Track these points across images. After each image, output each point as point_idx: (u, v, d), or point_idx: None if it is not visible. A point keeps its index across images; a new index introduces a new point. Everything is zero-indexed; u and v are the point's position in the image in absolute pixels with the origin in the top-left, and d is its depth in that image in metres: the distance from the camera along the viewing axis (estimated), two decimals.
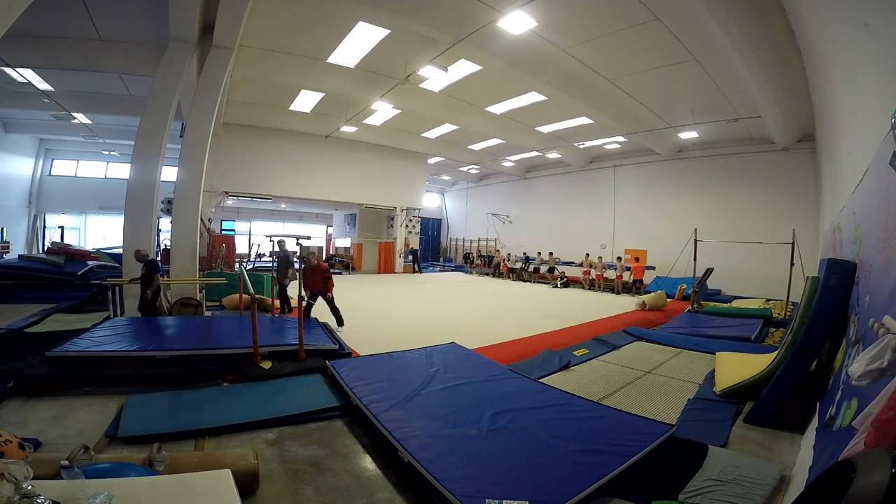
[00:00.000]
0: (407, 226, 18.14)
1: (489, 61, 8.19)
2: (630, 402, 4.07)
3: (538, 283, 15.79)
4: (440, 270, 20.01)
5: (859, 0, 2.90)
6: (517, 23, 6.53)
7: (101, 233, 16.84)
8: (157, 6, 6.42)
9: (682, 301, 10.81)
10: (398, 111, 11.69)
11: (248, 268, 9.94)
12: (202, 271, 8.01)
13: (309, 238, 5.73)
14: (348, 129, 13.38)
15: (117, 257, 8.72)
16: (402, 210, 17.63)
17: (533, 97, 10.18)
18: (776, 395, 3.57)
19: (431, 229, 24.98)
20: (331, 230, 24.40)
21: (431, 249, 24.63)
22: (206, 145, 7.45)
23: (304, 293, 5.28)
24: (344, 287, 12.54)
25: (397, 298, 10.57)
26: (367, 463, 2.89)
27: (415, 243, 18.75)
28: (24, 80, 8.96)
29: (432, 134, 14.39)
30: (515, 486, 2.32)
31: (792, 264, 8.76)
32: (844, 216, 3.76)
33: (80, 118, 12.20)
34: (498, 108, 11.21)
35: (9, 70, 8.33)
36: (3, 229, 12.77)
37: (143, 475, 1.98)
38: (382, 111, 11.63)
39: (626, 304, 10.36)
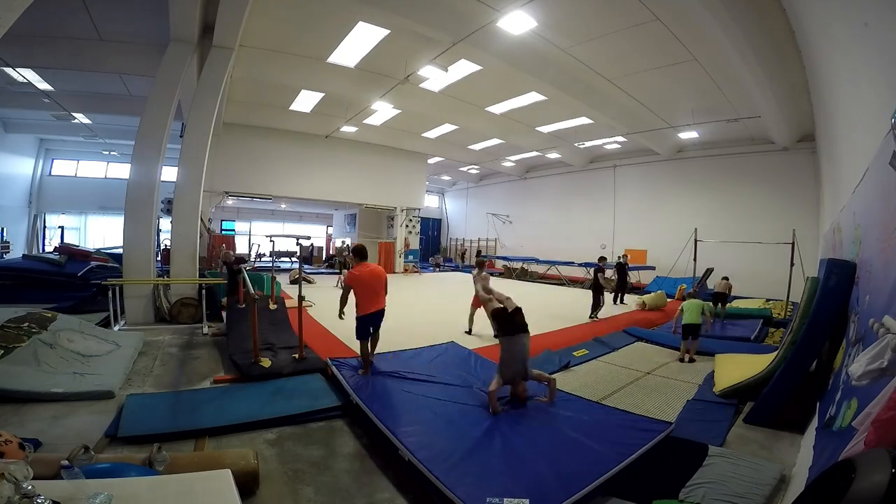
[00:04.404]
0: (407, 226, 18.13)
1: (489, 61, 8.18)
2: (630, 402, 4.07)
3: (537, 282, 15.79)
4: (440, 270, 20.00)
5: (859, 0, 2.90)
6: (517, 23, 6.53)
7: (101, 233, 16.83)
8: (157, 6, 6.42)
9: (683, 301, 10.79)
10: (398, 111, 11.69)
11: (249, 268, 9.92)
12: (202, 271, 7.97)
13: (309, 238, 5.70)
14: (348, 129, 13.38)
15: (117, 257, 8.70)
16: (402, 210, 17.63)
17: (533, 97, 10.17)
18: (776, 395, 3.57)
19: (431, 229, 24.98)
20: (331, 230, 24.40)
21: (431, 249, 24.63)
22: (206, 145, 7.45)
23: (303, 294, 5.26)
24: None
25: (397, 298, 10.54)
26: (368, 463, 2.89)
27: (415, 243, 18.72)
28: (24, 80, 8.95)
29: (432, 134, 14.40)
30: (516, 485, 2.33)
31: (792, 264, 8.76)
32: (844, 216, 3.76)
33: (80, 118, 12.20)
34: (498, 108, 11.21)
35: (9, 70, 8.33)
36: (3, 229, 12.78)
37: (143, 475, 1.98)
38: (382, 111, 11.62)
39: (627, 304, 10.35)
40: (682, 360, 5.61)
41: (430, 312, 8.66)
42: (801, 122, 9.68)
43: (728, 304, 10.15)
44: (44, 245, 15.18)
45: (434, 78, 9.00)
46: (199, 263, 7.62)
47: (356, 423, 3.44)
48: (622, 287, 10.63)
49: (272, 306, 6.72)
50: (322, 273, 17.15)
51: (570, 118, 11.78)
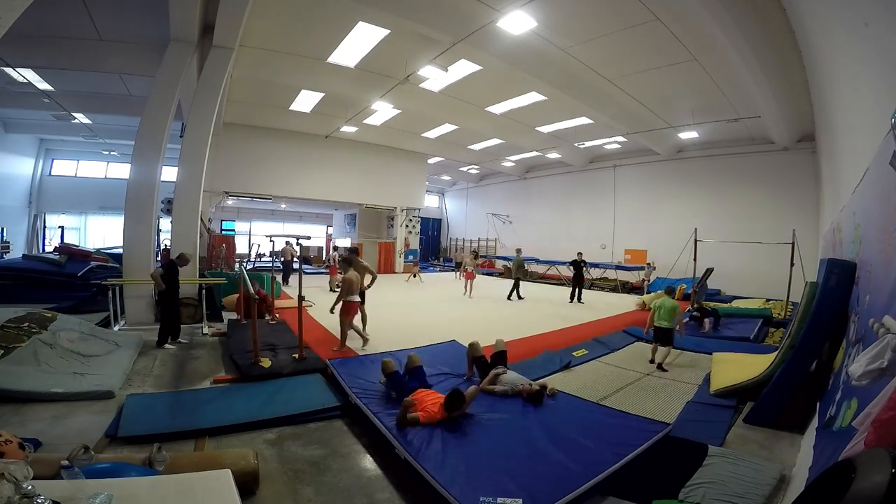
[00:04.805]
0: (407, 226, 18.13)
1: (489, 61, 8.18)
2: (629, 402, 4.07)
3: (537, 282, 15.80)
4: (440, 270, 20.00)
5: (859, 0, 2.90)
6: (517, 23, 6.52)
7: (101, 233, 16.83)
8: (157, 6, 6.41)
9: (682, 301, 10.79)
10: (398, 111, 11.68)
11: (249, 268, 9.93)
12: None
13: (309, 238, 5.70)
14: (348, 129, 13.37)
15: (117, 257, 8.70)
16: (402, 210, 17.63)
17: (533, 97, 10.17)
18: (776, 395, 3.58)
19: (431, 229, 24.98)
20: (331, 230, 24.40)
21: (431, 249, 24.64)
22: (206, 145, 7.44)
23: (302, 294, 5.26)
24: None
25: (397, 298, 10.56)
26: (367, 463, 2.89)
27: (415, 243, 18.71)
28: (24, 80, 8.95)
29: (432, 134, 14.39)
30: (510, 485, 2.34)
31: (792, 264, 8.76)
32: (844, 216, 3.76)
33: (80, 118, 12.19)
34: (498, 108, 11.21)
35: (9, 70, 8.32)
36: (3, 229, 12.77)
37: (143, 475, 1.98)
38: (382, 111, 11.62)
39: (627, 303, 10.36)
40: (651, 362, 5.37)
41: (430, 311, 8.66)
42: (801, 122, 9.68)
43: (728, 304, 10.20)
44: (44, 245, 15.18)
45: (434, 78, 9.00)
46: (199, 263, 7.61)
47: (355, 423, 3.44)
48: (578, 285, 11.00)
49: (270, 321, 6.74)
50: (322, 273, 17.16)
51: (570, 118, 11.77)
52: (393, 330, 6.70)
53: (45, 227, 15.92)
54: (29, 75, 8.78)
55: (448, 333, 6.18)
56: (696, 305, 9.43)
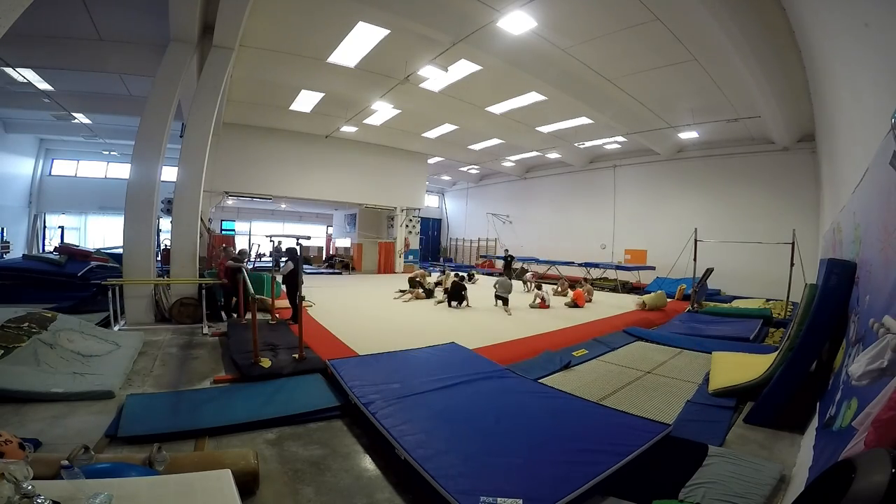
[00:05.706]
0: (407, 226, 18.14)
1: (489, 61, 8.19)
2: (629, 402, 4.07)
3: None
4: (440, 271, 19.97)
5: (859, 0, 2.91)
6: (517, 23, 6.53)
7: (101, 233, 16.84)
8: (157, 6, 6.42)
9: (682, 301, 10.80)
10: (398, 111, 11.70)
11: (249, 268, 9.92)
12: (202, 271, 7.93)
13: (309, 238, 5.70)
14: (348, 129, 13.38)
15: (117, 257, 8.70)
16: (402, 210, 17.64)
17: (533, 97, 10.18)
18: (776, 395, 3.57)
19: (431, 229, 25.00)
20: (331, 230, 24.41)
21: (431, 250, 24.65)
22: (206, 145, 7.44)
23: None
24: (344, 287, 12.58)
25: (395, 301, 10.54)
26: (367, 463, 2.89)
27: (415, 243, 18.71)
28: (24, 80, 8.96)
29: (432, 134, 14.40)
30: (510, 484, 2.33)
31: (792, 264, 8.76)
32: (844, 216, 3.76)
33: (80, 118, 12.20)
34: (498, 108, 11.22)
35: (9, 70, 8.33)
36: (3, 229, 12.77)
37: (143, 475, 1.98)
38: (382, 111, 11.63)
39: (627, 304, 10.36)
40: None
41: (431, 311, 8.66)
42: (801, 122, 9.69)
43: (728, 304, 10.20)
44: (44, 245, 15.18)
45: (434, 78, 9.01)
46: (199, 263, 7.61)
47: (355, 424, 3.44)
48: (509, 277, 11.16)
49: (270, 321, 6.74)
50: (322, 273, 17.18)
51: (570, 118, 11.78)
52: (393, 328, 6.69)
53: (45, 227, 15.93)
54: (29, 75, 8.78)
55: (448, 334, 6.18)
56: (695, 306, 9.45)
